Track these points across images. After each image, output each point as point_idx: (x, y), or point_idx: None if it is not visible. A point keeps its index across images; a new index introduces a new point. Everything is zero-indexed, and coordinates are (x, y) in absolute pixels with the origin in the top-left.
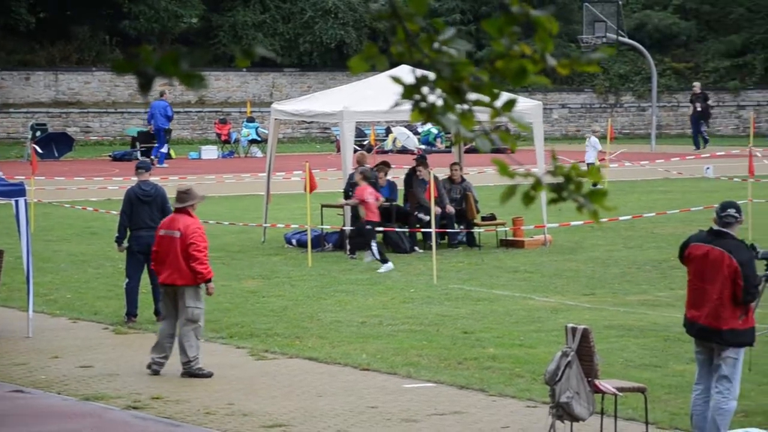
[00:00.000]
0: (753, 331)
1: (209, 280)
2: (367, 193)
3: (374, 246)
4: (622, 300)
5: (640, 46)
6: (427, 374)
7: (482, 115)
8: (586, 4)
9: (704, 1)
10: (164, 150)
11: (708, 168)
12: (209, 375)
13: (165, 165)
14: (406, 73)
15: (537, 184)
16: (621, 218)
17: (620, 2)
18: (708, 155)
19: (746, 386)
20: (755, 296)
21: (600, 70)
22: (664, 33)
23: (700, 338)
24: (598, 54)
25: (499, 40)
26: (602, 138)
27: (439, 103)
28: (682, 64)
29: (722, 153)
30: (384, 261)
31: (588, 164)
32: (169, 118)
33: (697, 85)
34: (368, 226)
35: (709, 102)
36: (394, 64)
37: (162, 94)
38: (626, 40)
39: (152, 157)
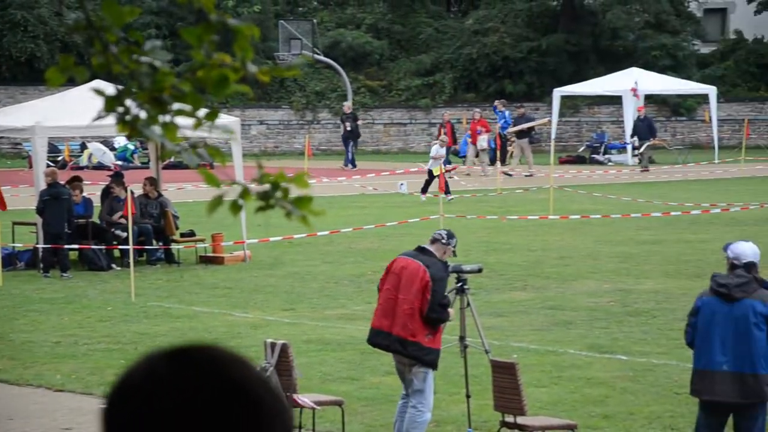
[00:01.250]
0: (437, 353)
1: None
2: None
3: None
4: (321, 314)
5: (335, 64)
6: None
7: (188, 131)
8: (282, 21)
9: (395, 21)
10: None
11: (402, 184)
12: None
13: None
14: (105, 85)
15: (245, 193)
16: (319, 233)
17: (314, 21)
18: (402, 171)
19: (438, 396)
20: (440, 315)
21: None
22: (357, 51)
23: (388, 350)
24: (298, 60)
25: (199, 49)
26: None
27: (143, 115)
28: (376, 82)
29: (415, 169)
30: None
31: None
32: None
33: (347, 105)
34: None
35: (359, 122)
36: (94, 77)
37: None
38: (322, 57)
39: None
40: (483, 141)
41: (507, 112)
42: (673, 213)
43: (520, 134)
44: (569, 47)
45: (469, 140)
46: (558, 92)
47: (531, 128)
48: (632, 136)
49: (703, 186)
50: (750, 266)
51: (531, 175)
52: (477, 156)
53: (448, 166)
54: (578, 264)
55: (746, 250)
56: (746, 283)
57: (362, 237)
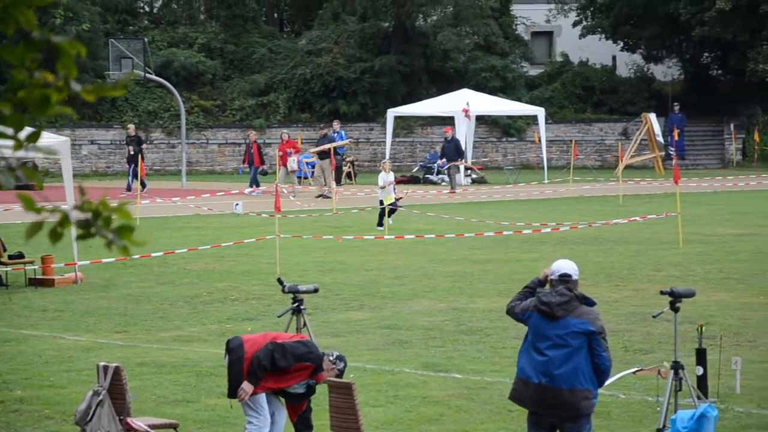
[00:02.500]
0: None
1: None
2: None
3: None
4: (156, 336)
5: (168, 84)
6: None
7: (7, 150)
8: (112, 40)
9: (228, 41)
10: None
11: (237, 204)
12: None
13: None
14: None
15: (64, 220)
16: (153, 254)
17: (145, 39)
18: (237, 191)
19: None
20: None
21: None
22: (190, 71)
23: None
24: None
25: (21, 68)
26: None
27: None
28: (209, 102)
29: (250, 189)
30: None
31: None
32: None
33: (131, 128)
34: None
35: (143, 146)
36: None
37: None
38: (153, 77)
39: None
40: (293, 162)
41: (343, 132)
42: (505, 232)
43: (322, 155)
44: (402, 68)
45: (279, 162)
46: (391, 113)
47: (333, 149)
48: (441, 158)
49: (533, 206)
50: (571, 284)
51: (323, 196)
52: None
53: (394, 194)
54: (413, 283)
55: (566, 267)
56: (567, 302)
57: (197, 258)
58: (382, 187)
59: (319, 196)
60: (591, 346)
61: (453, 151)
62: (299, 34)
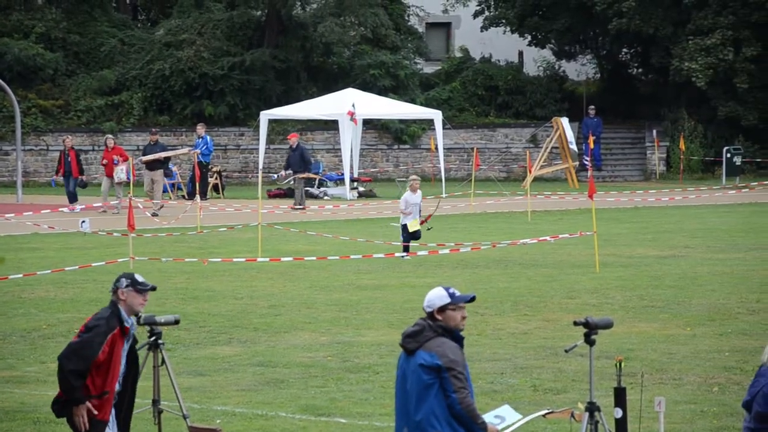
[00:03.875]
0: (100, 425)
1: None
2: None
3: None
4: None
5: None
6: None
7: None
8: None
9: (71, 30)
10: None
11: (84, 222)
12: None
13: None
14: None
15: None
16: None
17: None
18: (83, 207)
19: None
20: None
21: None
22: (26, 65)
23: None
24: None
25: None
26: None
27: None
28: (50, 102)
29: (99, 204)
30: None
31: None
32: None
33: None
34: None
35: None
36: None
37: None
38: None
39: None
40: (121, 172)
41: (209, 138)
42: (397, 254)
43: (151, 165)
44: (277, 64)
45: (104, 172)
46: (265, 115)
47: (167, 158)
48: (286, 169)
49: (429, 223)
50: (431, 313)
51: (156, 215)
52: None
53: (419, 217)
54: (291, 313)
55: (432, 295)
56: (419, 332)
57: (36, 284)
58: (406, 213)
59: (154, 214)
60: (441, 384)
61: (298, 161)
62: (156, 24)
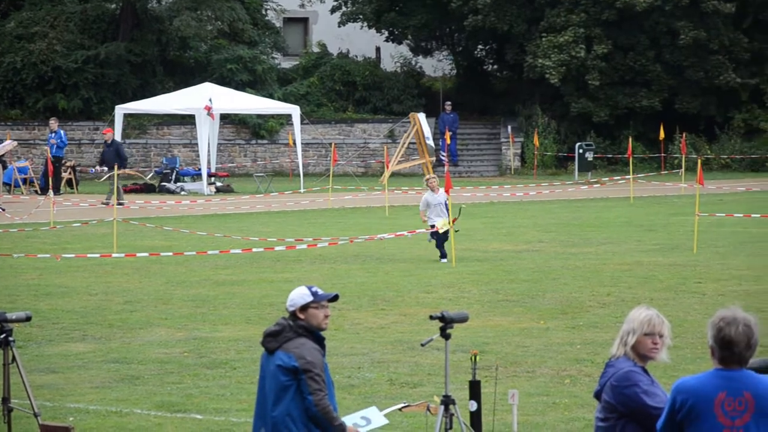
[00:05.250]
0: None
1: None
2: None
3: None
4: None
5: None
6: None
7: None
8: None
9: None
10: None
11: None
12: None
13: None
14: None
15: None
16: None
17: None
18: None
19: None
20: None
21: None
22: None
23: None
24: None
25: None
26: None
27: None
28: None
29: None
30: None
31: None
32: None
33: None
34: None
35: None
36: None
37: None
38: None
39: None
40: None
41: (62, 132)
42: (254, 249)
43: None
44: (132, 57)
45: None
46: (121, 109)
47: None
48: (101, 164)
49: (287, 218)
50: (294, 312)
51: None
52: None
53: (447, 215)
54: (147, 309)
55: (294, 294)
56: (279, 332)
57: None
58: (432, 216)
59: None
60: (299, 386)
61: (113, 156)
62: (6, 16)
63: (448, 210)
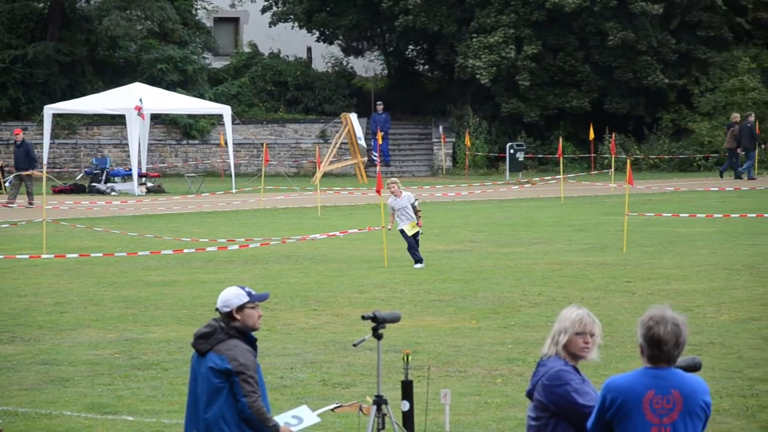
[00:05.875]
0: None
1: None
2: None
3: None
4: None
5: None
6: None
7: None
8: None
9: None
10: None
11: None
12: None
13: None
14: None
15: None
16: None
17: None
18: None
19: None
20: None
21: None
22: None
23: None
24: None
25: None
26: None
27: None
28: None
29: None
30: None
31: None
32: None
33: None
34: None
35: None
36: None
37: None
38: None
39: None
40: None
41: None
42: (186, 250)
43: None
44: (61, 57)
45: None
46: (49, 109)
47: None
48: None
49: (219, 219)
50: (229, 313)
51: None
52: None
53: (415, 218)
54: (77, 311)
55: (229, 294)
56: (211, 334)
57: None
58: (400, 217)
59: None
60: (231, 389)
61: (23, 157)
62: None
63: (416, 212)
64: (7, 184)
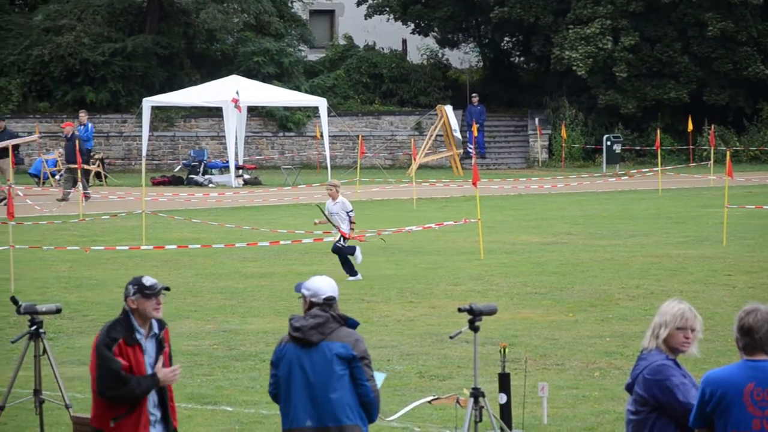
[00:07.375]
0: None
1: None
2: None
3: None
4: None
5: None
6: None
7: None
8: None
9: None
10: None
11: None
12: None
13: None
14: None
15: None
16: None
17: None
18: None
19: None
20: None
21: None
22: None
23: None
24: None
25: None
26: None
27: None
28: None
29: None
30: None
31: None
32: None
33: None
34: None
35: None
36: None
37: None
38: None
39: None
40: None
41: (90, 125)
42: (282, 242)
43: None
44: (159, 50)
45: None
46: (148, 102)
47: (16, 146)
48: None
49: (315, 211)
50: (328, 303)
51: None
52: None
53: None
54: (177, 302)
55: (322, 285)
56: (323, 324)
57: None
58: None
59: (2, 200)
60: (353, 374)
61: (73, 150)
62: (34, 8)
63: (350, 218)
64: (58, 177)
